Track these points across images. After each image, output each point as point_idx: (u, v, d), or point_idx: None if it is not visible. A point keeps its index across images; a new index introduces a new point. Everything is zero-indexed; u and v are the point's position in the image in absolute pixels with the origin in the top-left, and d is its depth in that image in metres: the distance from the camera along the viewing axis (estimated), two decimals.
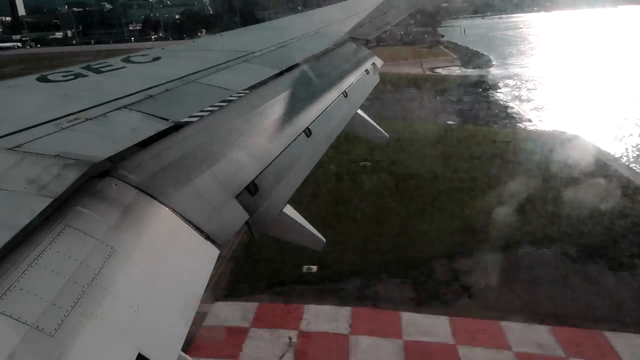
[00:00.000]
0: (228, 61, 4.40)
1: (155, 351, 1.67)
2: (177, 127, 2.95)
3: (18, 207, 1.80)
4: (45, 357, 1.42)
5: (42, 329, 1.46)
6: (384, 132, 5.73)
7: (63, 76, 3.56)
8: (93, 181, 2.16)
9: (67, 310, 1.55)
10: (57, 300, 1.55)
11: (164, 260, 2.08)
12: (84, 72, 3.70)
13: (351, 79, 5.19)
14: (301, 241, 3.56)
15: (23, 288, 1.53)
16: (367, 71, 5.68)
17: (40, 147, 2.26)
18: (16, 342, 1.39)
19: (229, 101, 3.52)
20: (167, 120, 2.87)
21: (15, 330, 1.42)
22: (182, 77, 3.74)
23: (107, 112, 2.85)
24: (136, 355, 1.60)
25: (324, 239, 3.58)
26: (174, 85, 3.53)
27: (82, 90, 3.31)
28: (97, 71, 3.76)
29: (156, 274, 1.97)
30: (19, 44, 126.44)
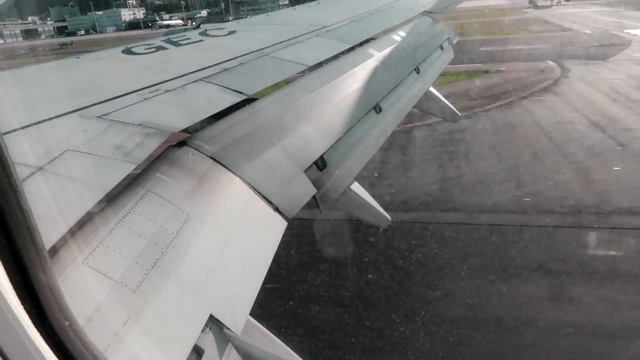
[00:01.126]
0: (301, 35, 4.42)
1: (225, 314, 1.76)
2: (251, 99, 3.03)
3: (106, 171, 1.94)
4: (127, 310, 1.54)
5: (126, 285, 1.58)
6: (456, 110, 5.55)
7: (146, 49, 3.74)
8: (172, 150, 2.28)
9: (147, 270, 1.66)
10: (139, 260, 1.67)
11: (236, 229, 2.17)
12: (165, 44, 3.87)
13: (424, 55, 5.04)
14: (366, 218, 3.56)
15: (110, 246, 1.66)
16: (441, 47, 5.48)
17: (125, 116, 2.41)
18: (103, 296, 1.51)
19: (301, 75, 3.56)
20: (241, 93, 2.95)
21: (102, 285, 1.55)
22: (256, 50, 3.80)
23: (185, 85, 2.98)
24: (208, 316, 1.70)
25: (389, 217, 3.56)
26: (248, 58, 3.60)
27: (163, 62, 3.47)
28: (177, 44, 3.91)
29: (228, 241, 2.06)
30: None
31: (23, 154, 1.94)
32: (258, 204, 2.33)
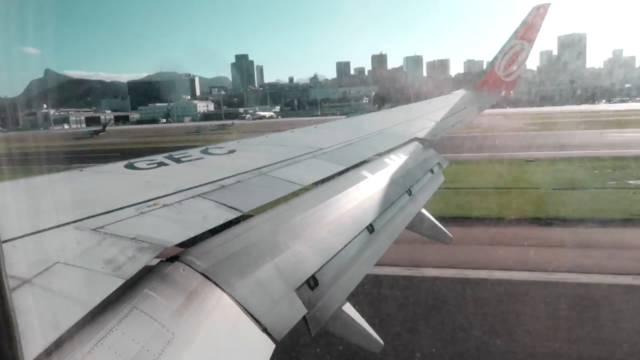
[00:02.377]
0: (298, 156, 4.63)
1: None
2: (246, 216, 3.09)
3: (93, 286, 1.91)
4: None
5: None
6: (448, 232, 5.62)
7: (147, 164, 3.89)
8: (163, 265, 2.27)
9: None
10: None
11: (221, 350, 2.08)
12: (167, 161, 4.03)
13: (416, 178, 5.24)
14: (358, 341, 3.43)
15: None
16: (432, 171, 5.72)
17: (120, 230, 2.44)
18: None
19: (296, 195, 3.66)
20: (236, 210, 3.01)
21: None
22: (254, 169, 3.96)
23: (183, 200, 3.05)
24: None
25: (382, 342, 3.43)
26: (246, 177, 3.74)
27: (162, 178, 3.59)
28: (178, 161, 4.08)
29: None
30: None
31: (15, 264, 1.93)
32: (246, 324, 2.26)
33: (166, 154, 4.27)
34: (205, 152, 4.52)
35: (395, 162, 5.28)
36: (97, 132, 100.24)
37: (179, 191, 3.20)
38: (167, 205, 2.92)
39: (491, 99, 12.19)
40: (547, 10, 11.75)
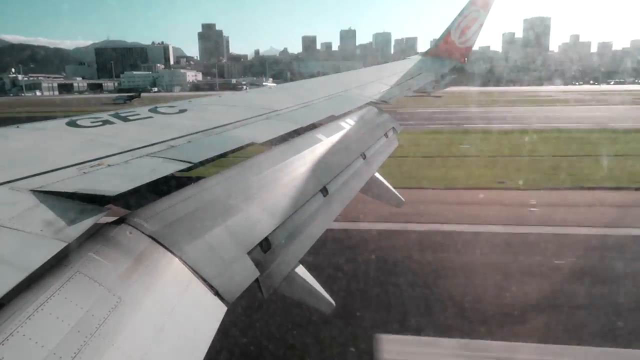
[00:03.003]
0: (252, 117, 4.52)
1: None
2: (196, 178, 3.00)
3: (31, 249, 1.80)
4: None
5: None
6: (400, 196, 5.72)
7: (92, 122, 3.68)
8: (108, 227, 2.17)
9: None
10: (59, 350, 1.52)
11: (170, 314, 2.04)
12: (112, 119, 3.83)
13: (370, 142, 5.25)
14: (310, 302, 3.47)
15: (26, 334, 1.50)
16: (386, 135, 5.75)
17: (61, 190, 2.30)
18: None
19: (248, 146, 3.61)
20: (185, 162, 2.92)
21: None
22: (206, 130, 3.83)
23: (130, 160, 2.91)
24: None
25: (334, 302, 3.49)
26: (196, 137, 3.61)
27: (108, 137, 3.40)
28: (125, 119, 3.88)
29: (161, 328, 1.93)
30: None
31: None
32: (197, 287, 2.22)
33: (112, 112, 4.05)
34: (154, 111, 4.32)
35: (350, 125, 5.26)
36: (130, 98, 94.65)
37: (126, 151, 3.05)
38: (112, 166, 2.78)
39: (446, 65, 12.32)
40: None
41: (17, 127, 3.47)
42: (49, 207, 2.13)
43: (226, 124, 4.10)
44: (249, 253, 2.63)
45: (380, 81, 8.48)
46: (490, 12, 12.04)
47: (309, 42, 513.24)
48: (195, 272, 2.25)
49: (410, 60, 12.05)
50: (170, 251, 2.23)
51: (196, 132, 3.70)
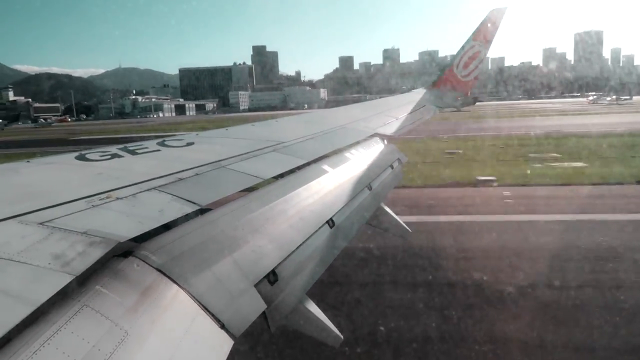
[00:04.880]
0: (259, 149, 4.56)
1: None
2: (204, 210, 3.00)
3: (39, 283, 1.80)
4: None
5: None
6: (406, 227, 5.69)
7: (100, 155, 3.73)
8: (116, 260, 2.17)
9: None
10: None
11: (177, 347, 2.01)
12: (121, 152, 3.87)
13: (376, 173, 5.27)
14: (318, 335, 3.41)
15: None
16: (392, 166, 5.78)
17: (69, 224, 2.31)
18: None
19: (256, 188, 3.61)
20: (194, 203, 2.92)
21: None
22: (213, 162, 3.86)
23: (137, 193, 2.93)
24: None
25: (342, 336, 3.43)
26: (204, 170, 3.64)
27: (116, 170, 3.44)
28: (133, 153, 3.93)
29: None
30: None
31: None
32: (204, 320, 2.20)
33: (121, 146, 4.10)
34: (162, 144, 4.38)
35: (356, 157, 5.30)
36: None
37: (134, 184, 3.07)
38: (121, 199, 2.79)
39: (449, 98, 12.47)
40: (503, 14, 12.12)
41: (28, 161, 3.51)
42: (57, 240, 2.14)
43: (233, 157, 4.14)
44: (256, 285, 2.61)
45: (386, 113, 8.58)
46: (492, 44, 12.26)
47: (345, 61, 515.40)
48: (202, 305, 2.23)
49: (415, 93, 12.22)
50: (177, 284, 2.22)
51: (204, 165, 3.73)
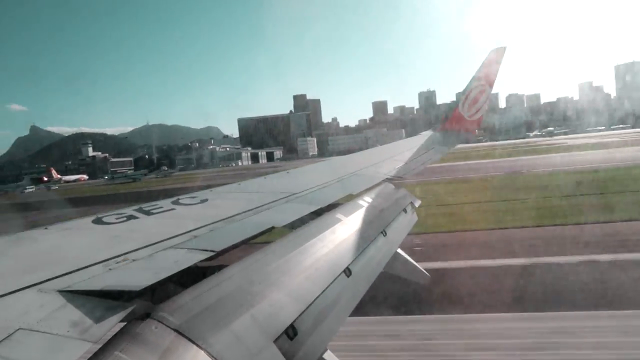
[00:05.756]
0: (271, 202, 4.60)
1: None
2: (219, 267, 3.01)
3: (59, 352, 1.80)
4: None
5: None
6: (425, 272, 5.60)
7: (116, 218, 3.79)
8: (134, 323, 2.17)
9: None
10: None
11: None
12: (136, 214, 3.94)
13: (390, 218, 5.25)
14: None
15: None
16: (405, 210, 5.76)
17: (86, 288, 2.33)
18: None
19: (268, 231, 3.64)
20: (208, 251, 2.95)
21: None
22: (227, 218, 3.90)
23: (153, 253, 2.97)
24: None
25: None
26: (218, 225, 3.67)
27: (132, 232, 3.49)
28: (148, 213, 3.99)
29: None
30: None
31: None
32: None
33: (136, 207, 4.18)
34: (176, 202, 4.45)
35: (368, 203, 5.30)
36: None
37: (150, 244, 3.11)
38: (137, 260, 2.82)
39: (456, 139, 12.56)
40: (503, 53, 12.38)
41: (46, 228, 3.58)
42: (76, 307, 2.15)
43: (247, 211, 4.18)
44: (275, 341, 2.57)
45: (395, 157, 8.64)
46: (495, 83, 12.46)
47: (379, 106, 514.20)
48: None
49: (422, 136, 12.34)
50: (196, 344, 2.20)
51: (218, 221, 3.77)
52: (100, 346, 1.94)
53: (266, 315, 2.72)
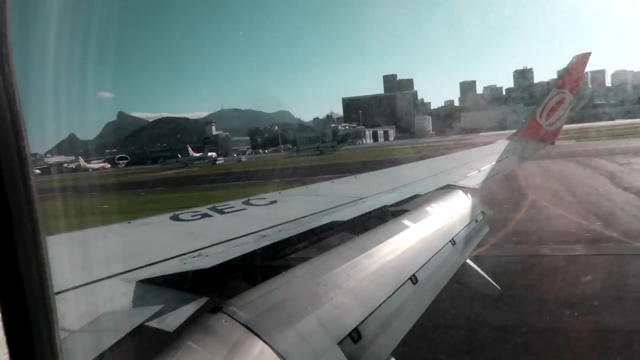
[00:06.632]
0: (338, 205, 4.64)
1: None
2: (286, 266, 3.08)
3: (137, 335, 1.93)
4: None
5: None
6: (495, 284, 5.39)
7: (192, 216, 4.00)
8: (206, 316, 2.27)
9: None
10: None
11: None
12: (210, 212, 4.13)
13: (459, 227, 5.11)
14: None
15: None
16: (476, 220, 5.58)
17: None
18: None
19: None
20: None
21: None
22: (295, 219, 3.99)
23: (225, 250, 3.10)
24: None
25: None
26: (286, 227, 3.76)
27: (206, 229, 3.66)
28: (221, 212, 4.17)
29: None
30: None
31: (66, 315, 1.98)
32: None
33: (210, 206, 4.37)
34: (247, 203, 4.61)
35: (437, 210, 5.19)
36: None
37: (222, 242, 3.25)
38: (209, 256, 2.96)
39: (533, 148, 11.98)
40: (588, 59, 11.67)
41: (129, 222, 3.84)
42: (154, 297, 2.30)
43: (314, 213, 4.25)
44: (339, 344, 2.58)
45: (468, 165, 8.41)
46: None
47: (467, 86, 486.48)
48: None
49: (498, 144, 11.90)
50: (263, 340, 2.26)
51: (287, 222, 3.87)
52: (174, 335, 2.06)
53: (331, 317, 2.74)
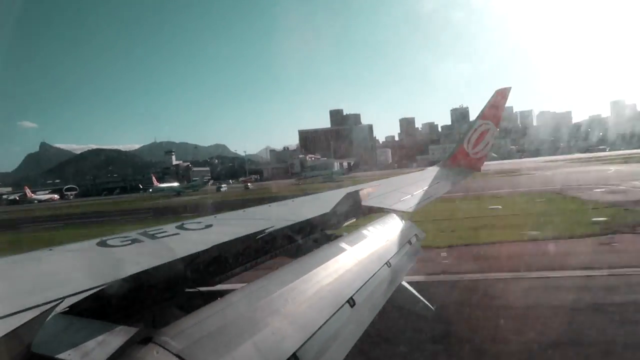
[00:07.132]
0: (274, 228, 4.60)
1: None
2: (222, 292, 2.98)
3: None
4: None
5: None
6: (429, 304, 5.52)
7: (121, 241, 3.78)
8: (136, 348, 2.14)
9: None
10: None
11: None
12: (141, 237, 3.93)
13: (394, 250, 5.21)
14: None
15: None
16: (410, 242, 5.72)
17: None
18: None
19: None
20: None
21: None
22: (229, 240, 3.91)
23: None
24: None
25: None
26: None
27: (135, 255, 3.47)
28: (153, 237, 3.98)
29: None
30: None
31: None
32: None
33: (141, 230, 4.17)
34: (181, 227, 4.45)
35: (373, 234, 5.27)
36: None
37: (152, 267, 3.09)
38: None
39: (462, 175, 12.60)
40: (508, 93, 12.59)
41: (50, 249, 3.57)
42: (77, 330, 2.13)
43: (250, 233, 4.20)
44: None
45: (401, 190, 8.65)
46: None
47: (406, 124, 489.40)
48: None
49: (428, 170, 12.40)
50: None
51: (222, 243, 3.77)
52: None
53: (269, 343, 2.67)
